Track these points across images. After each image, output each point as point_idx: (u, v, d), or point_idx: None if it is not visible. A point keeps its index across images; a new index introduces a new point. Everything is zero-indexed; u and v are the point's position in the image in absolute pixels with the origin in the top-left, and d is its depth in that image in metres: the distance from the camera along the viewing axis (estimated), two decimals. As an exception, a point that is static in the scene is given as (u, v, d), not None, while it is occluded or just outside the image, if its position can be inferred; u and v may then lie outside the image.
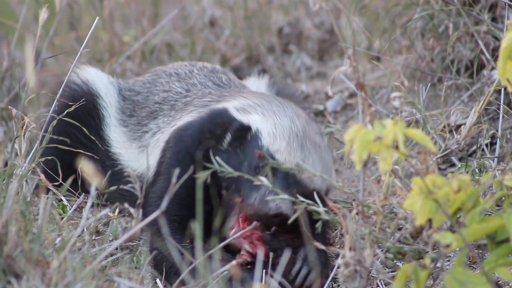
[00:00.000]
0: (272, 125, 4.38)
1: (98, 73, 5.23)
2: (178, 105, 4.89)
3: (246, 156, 4.35)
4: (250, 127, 4.40)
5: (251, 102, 4.56)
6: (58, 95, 4.65)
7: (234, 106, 4.55)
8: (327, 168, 4.39)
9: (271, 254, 4.27)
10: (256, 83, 5.49)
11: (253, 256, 4.26)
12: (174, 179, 3.76)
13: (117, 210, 4.61)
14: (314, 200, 4.01)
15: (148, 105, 5.04)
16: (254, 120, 4.43)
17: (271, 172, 4.20)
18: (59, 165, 4.69)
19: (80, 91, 5.12)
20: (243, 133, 4.40)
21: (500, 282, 4.21)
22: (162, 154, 4.67)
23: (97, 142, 4.98)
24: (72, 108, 4.67)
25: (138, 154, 4.94)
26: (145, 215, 3.80)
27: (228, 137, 4.43)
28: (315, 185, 4.31)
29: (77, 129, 4.96)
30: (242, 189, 4.30)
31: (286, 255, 4.25)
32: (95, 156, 4.95)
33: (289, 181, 4.26)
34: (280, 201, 4.16)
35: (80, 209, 4.93)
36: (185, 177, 4.12)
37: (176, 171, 4.02)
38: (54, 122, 4.51)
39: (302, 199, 3.97)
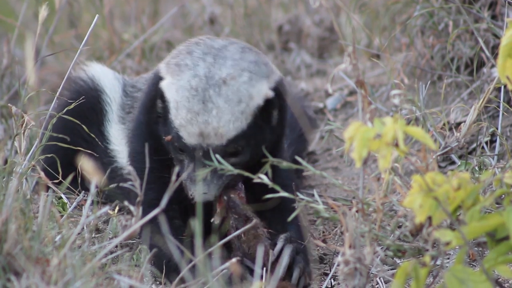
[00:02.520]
0: (175, 90, 4.18)
1: (104, 69, 5.23)
2: None
3: (167, 131, 4.25)
4: (164, 93, 4.24)
5: (175, 51, 4.37)
6: (59, 91, 4.65)
7: (165, 62, 4.37)
8: (241, 99, 4.13)
9: (271, 253, 4.27)
10: None
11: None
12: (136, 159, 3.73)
13: (117, 208, 4.61)
14: (244, 146, 4.04)
15: None
16: (165, 85, 4.24)
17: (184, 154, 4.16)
18: (59, 162, 4.68)
19: (85, 86, 5.12)
20: (164, 98, 4.26)
21: (500, 279, 4.21)
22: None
23: (98, 138, 4.97)
24: (76, 103, 4.67)
25: None
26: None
27: (159, 103, 4.30)
28: (226, 136, 4.13)
29: (80, 124, 4.95)
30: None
31: (286, 255, 4.24)
32: (95, 154, 4.94)
33: (198, 155, 4.13)
34: (194, 188, 4.12)
35: (80, 206, 4.93)
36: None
37: (136, 147, 4.01)
38: (57, 118, 4.51)
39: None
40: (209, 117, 4.11)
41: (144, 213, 3.86)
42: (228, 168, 4.04)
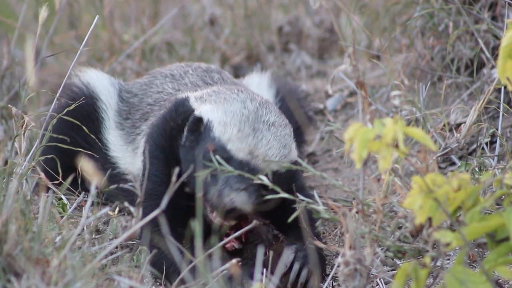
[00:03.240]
0: (223, 113, 4.36)
1: (99, 76, 5.20)
2: (166, 105, 4.87)
3: (200, 150, 4.34)
4: (201, 119, 4.40)
5: (209, 90, 4.57)
6: (57, 95, 4.65)
7: (195, 96, 4.56)
8: (285, 145, 4.36)
9: (271, 253, 4.28)
10: (258, 79, 5.46)
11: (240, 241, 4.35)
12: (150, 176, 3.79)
13: (117, 209, 4.61)
14: (277, 182, 4.07)
15: (142, 107, 5.02)
16: (205, 110, 4.42)
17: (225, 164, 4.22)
18: (59, 165, 4.68)
19: (80, 94, 5.10)
20: (198, 125, 4.40)
21: (500, 280, 4.21)
22: (143, 154, 4.69)
23: (96, 145, 4.96)
24: (71, 109, 4.65)
25: (133, 158, 4.92)
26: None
27: (186, 131, 4.43)
28: (273, 167, 4.30)
29: (77, 132, 4.95)
30: (202, 184, 4.30)
31: (286, 254, 4.25)
32: (94, 158, 4.93)
33: (243, 170, 4.22)
34: (235, 195, 4.17)
35: (80, 207, 4.93)
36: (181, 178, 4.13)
37: (152, 168, 4.07)
38: (54, 123, 4.51)
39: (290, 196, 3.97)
40: (259, 142, 4.29)
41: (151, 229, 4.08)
42: (228, 169, 4.04)
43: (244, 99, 4.42)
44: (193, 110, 4.47)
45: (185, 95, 4.65)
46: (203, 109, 4.42)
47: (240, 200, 4.18)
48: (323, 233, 4.91)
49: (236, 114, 4.34)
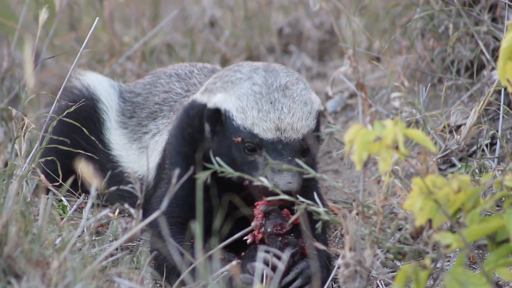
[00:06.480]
0: (236, 98, 4.34)
1: (99, 78, 5.23)
2: (177, 107, 4.88)
3: (229, 140, 4.32)
4: (219, 109, 4.37)
5: (211, 80, 4.53)
6: (57, 97, 4.65)
7: (200, 92, 4.53)
8: (305, 102, 4.35)
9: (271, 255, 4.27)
10: None
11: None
12: (173, 181, 3.77)
13: (117, 211, 4.61)
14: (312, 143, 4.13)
15: (148, 106, 5.03)
16: (218, 100, 4.38)
17: (262, 151, 4.25)
18: (59, 167, 4.68)
19: (81, 96, 5.12)
20: (217, 116, 4.37)
21: (500, 282, 4.21)
22: (161, 160, 4.67)
23: (97, 146, 4.97)
24: (72, 111, 4.66)
25: (139, 156, 4.94)
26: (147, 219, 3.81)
27: (207, 126, 4.41)
28: (301, 130, 4.30)
29: (77, 133, 4.96)
30: (245, 172, 4.29)
31: (286, 256, 4.24)
32: (95, 159, 4.94)
33: (278, 148, 4.25)
34: (278, 178, 4.17)
35: (80, 209, 4.93)
36: (184, 178, 4.13)
37: (176, 173, 4.05)
38: (54, 125, 4.51)
39: (302, 199, 3.97)
40: (281, 114, 4.28)
41: (157, 225, 4.13)
42: (230, 172, 4.04)
43: (249, 74, 4.39)
44: (205, 106, 4.43)
45: (191, 98, 4.64)
46: (216, 100, 4.39)
47: (284, 181, 4.16)
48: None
49: (250, 95, 4.32)
